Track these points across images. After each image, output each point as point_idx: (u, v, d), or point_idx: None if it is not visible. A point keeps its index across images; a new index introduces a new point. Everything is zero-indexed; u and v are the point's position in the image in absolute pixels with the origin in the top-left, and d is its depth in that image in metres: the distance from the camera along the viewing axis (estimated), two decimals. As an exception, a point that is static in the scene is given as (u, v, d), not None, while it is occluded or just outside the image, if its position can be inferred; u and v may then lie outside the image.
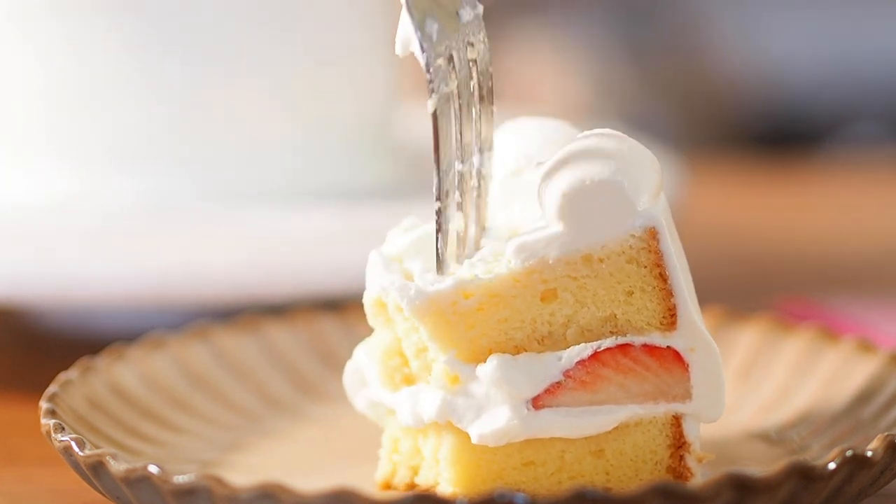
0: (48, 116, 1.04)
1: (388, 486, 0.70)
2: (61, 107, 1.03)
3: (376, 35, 1.12)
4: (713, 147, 2.48)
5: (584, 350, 0.66)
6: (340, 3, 1.08)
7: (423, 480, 0.69)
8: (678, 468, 0.67)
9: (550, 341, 0.67)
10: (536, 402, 0.66)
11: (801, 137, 2.55)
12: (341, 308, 0.86)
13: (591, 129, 0.68)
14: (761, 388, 0.79)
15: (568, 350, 0.66)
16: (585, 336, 0.66)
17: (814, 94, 2.68)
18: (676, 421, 0.67)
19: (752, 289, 1.16)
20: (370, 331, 0.80)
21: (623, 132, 0.67)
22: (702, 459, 0.68)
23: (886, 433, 0.64)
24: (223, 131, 1.05)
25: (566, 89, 2.62)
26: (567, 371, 0.66)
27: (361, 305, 0.87)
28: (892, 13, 2.74)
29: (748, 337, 0.82)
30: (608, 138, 0.66)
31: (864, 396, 0.74)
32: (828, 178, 1.72)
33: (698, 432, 0.67)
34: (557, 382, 0.66)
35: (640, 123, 2.29)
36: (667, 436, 0.67)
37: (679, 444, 0.67)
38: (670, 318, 0.66)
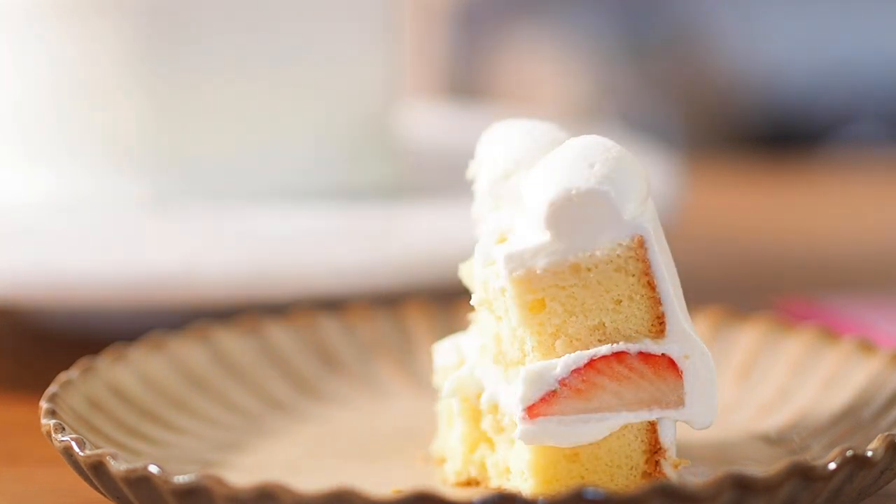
0: (48, 116, 1.04)
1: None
2: (61, 106, 1.03)
3: (377, 35, 1.12)
4: (713, 147, 2.48)
5: (579, 358, 0.66)
6: (340, 3, 1.08)
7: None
8: (654, 474, 0.67)
9: (540, 352, 0.67)
10: (531, 411, 0.66)
11: (800, 137, 2.55)
12: (341, 308, 0.86)
13: (587, 131, 0.68)
14: (761, 388, 0.79)
15: (563, 358, 0.66)
16: (574, 345, 0.66)
17: (814, 94, 2.68)
18: (652, 426, 0.67)
19: (752, 289, 1.16)
20: (370, 331, 0.81)
21: (623, 132, 0.67)
22: (678, 465, 0.67)
23: (886, 433, 0.64)
24: (223, 131, 1.05)
25: (566, 89, 2.62)
26: (562, 379, 0.66)
27: (361, 305, 0.87)
28: (892, 13, 2.74)
29: (748, 337, 0.82)
30: (594, 146, 0.66)
31: (864, 396, 0.74)
32: (828, 178, 1.73)
33: (674, 438, 0.67)
34: (553, 391, 0.66)
35: (640, 124, 2.30)
36: (642, 441, 0.67)
37: (655, 449, 0.67)
38: (659, 326, 0.66)
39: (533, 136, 0.71)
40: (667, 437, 0.67)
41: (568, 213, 0.65)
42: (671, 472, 0.67)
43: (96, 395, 0.74)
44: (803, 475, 0.60)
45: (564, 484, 0.66)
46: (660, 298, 0.66)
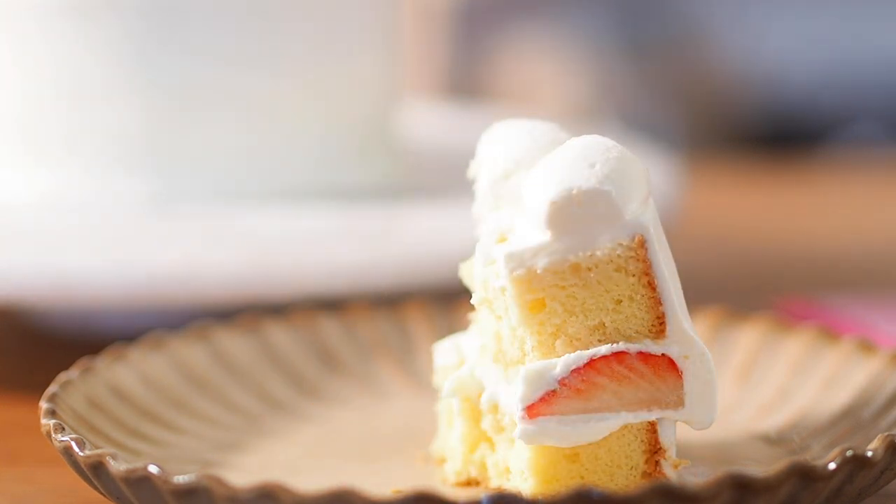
0: (48, 116, 1.04)
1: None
2: (61, 106, 1.03)
3: (377, 35, 1.12)
4: (713, 147, 2.48)
5: (579, 358, 0.66)
6: (340, 3, 1.08)
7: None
8: (654, 474, 0.67)
9: (539, 351, 0.67)
10: (531, 411, 0.66)
11: (801, 137, 2.55)
12: (341, 308, 0.86)
13: (586, 131, 0.68)
14: (761, 388, 0.79)
15: (563, 358, 0.66)
16: (574, 345, 0.66)
17: (814, 94, 2.68)
18: (652, 427, 0.67)
19: (752, 289, 1.16)
20: (369, 330, 0.81)
21: (622, 132, 0.67)
22: (678, 465, 0.67)
23: (886, 433, 0.64)
24: (223, 131, 1.05)
25: (566, 89, 2.62)
26: (562, 379, 0.66)
27: (361, 305, 0.87)
28: (892, 13, 2.74)
29: (748, 337, 0.82)
30: (595, 146, 0.66)
31: (864, 396, 0.74)
32: (828, 178, 1.73)
33: (674, 438, 0.67)
34: (552, 391, 0.66)
35: (640, 124, 2.29)
36: (642, 441, 0.67)
37: (655, 449, 0.67)
38: (659, 326, 0.66)
39: (533, 136, 0.71)
40: (667, 438, 0.67)
41: (568, 212, 0.65)
42: (671, 472, 0.67)
43: (96, 395, 0.74)
44: (803, 475, 0.60)
45: (564, 484, 0.66)
46: (660, 298, 0.66)
